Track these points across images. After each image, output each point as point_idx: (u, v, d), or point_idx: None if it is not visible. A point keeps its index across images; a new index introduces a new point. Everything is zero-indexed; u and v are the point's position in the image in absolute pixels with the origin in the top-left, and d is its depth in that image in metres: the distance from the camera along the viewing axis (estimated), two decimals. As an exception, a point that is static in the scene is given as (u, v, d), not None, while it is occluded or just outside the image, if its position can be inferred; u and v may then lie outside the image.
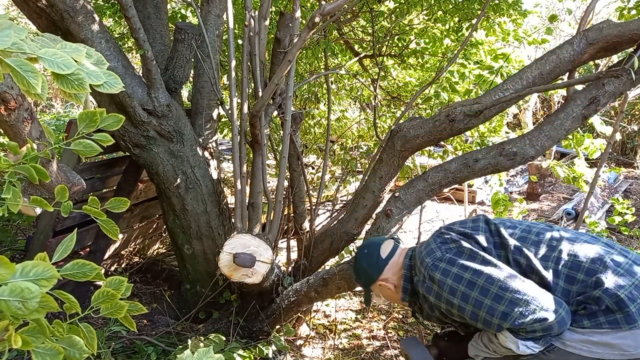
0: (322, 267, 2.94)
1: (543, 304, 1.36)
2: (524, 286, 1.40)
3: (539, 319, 1.35)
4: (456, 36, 4.04)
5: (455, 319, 1.60)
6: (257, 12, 2.41)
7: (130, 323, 1.03)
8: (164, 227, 3.75)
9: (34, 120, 1.30)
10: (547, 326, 1.35)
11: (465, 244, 1.55)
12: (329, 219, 3.87)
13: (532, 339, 1.39)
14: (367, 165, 3.63)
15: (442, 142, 3.68)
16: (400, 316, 3.44)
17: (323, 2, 2.37)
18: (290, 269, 3.02)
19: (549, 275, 1.45)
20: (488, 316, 1.42)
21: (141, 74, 2.57)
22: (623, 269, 1.40)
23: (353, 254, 3.15)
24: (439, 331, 1.96)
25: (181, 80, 2.72)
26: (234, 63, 2.47)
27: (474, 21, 3.77)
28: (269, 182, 2.89)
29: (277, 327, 2.75)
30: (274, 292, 2.67)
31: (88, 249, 3.20)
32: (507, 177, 7.52)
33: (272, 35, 2.81)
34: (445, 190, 4.24)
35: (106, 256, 3.41)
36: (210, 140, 2.95)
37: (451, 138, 3.38)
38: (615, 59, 2.38)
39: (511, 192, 7.13)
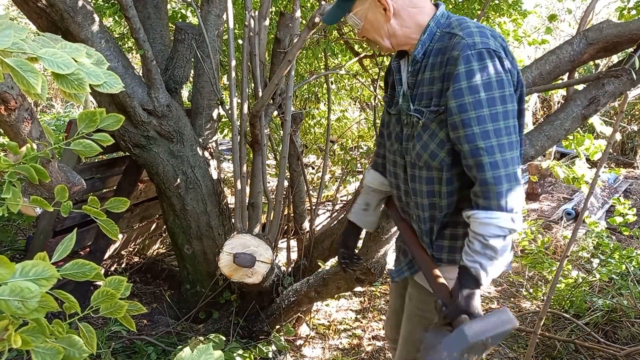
0: (322, 267, 2.94)
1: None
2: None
3: (517, 186, 1.23)
4: (456, 36, 4.03)
5: (433, 122, 1.31)
6: (257, 12, 2.41)
7: (130, 323, 1.03)
8: (164, 227, 3.75)
9: (34, 120, 1.30)
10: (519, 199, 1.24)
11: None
12: (329, 219, 3.87)
13: (514, 210, 1.23)
14: (367, 165, 3.63)
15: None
16: (400, 316, 3.44)
17: (323, 2, 2.38)
18: (290, 269, 3.02)
19: None
20: (498, 144, 1.20)
21: (141, 74, 2.58)
22: None
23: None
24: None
25: (181, 80, 2.72)
26: (234, 63, 2.47)
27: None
28: (269, 182, 2.89)
29: (277, 327, 2.75)
30: (274, 292, 2.67)
31: (88, 249, 3.20)
32: (507, 177, 7.50)
33: (272, 35, 2.81)
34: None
35: (106, 256, 3.41)
36: (210, 140, 2.95)
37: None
38: (615, 59, 2.38)
39: (511, 192, 7.11)
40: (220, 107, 2.91)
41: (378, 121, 4.30)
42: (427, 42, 1.34)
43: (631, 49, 1.96)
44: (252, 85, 2.56)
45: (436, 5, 1.40)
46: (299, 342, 3.06)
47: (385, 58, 3.98)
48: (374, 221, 1.80)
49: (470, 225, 1.28)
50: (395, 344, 1.98)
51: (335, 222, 3.17)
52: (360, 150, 5.42)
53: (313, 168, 6.53)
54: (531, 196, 6.97)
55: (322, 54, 4.04)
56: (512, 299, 3.90)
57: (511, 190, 1.21)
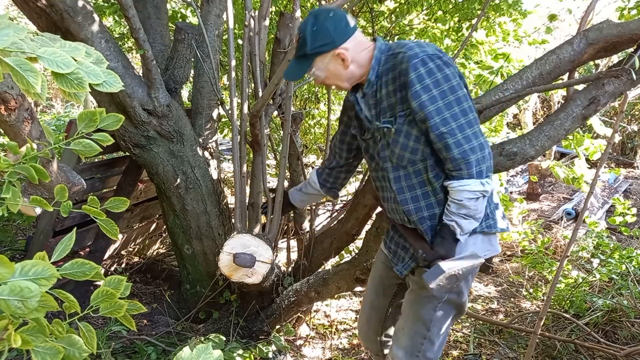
0: (322, 267, 2.94)
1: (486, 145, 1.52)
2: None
3: (487, 155, 1.51)
4: (456, 36, 4.04)
5: (404, 125, 1.56)
6: (257, 12, 2.41)
7: (130, 322, 1.03)
8: (164, 227, 3.75)
9: (34, 120, 1.30)
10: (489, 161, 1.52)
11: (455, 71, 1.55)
12: (329, 219, 3.87)
13: (483, 175, 1.50)
14: (367, 165, 3.62)
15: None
16: (400, 316, 3.44)
17: (323, 2, 2.38)
18: (290, 269, 3.02)
19: None
20: (457, 126, 1.47)
21: (141, 74, 2.58)
22: None
23: (353, 253, 3.15)
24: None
25: (181, 80, 2.72)
26: (234, 63, 2.47)
27: (474, 21, 3.77)
28: (269, 182, 2.89)
29: (277, 327, 2.75)
30: (274, 292, 2.67)
31: (88, 249, 3.20)
32: (507, 177, 7.52)
33: (272, 35, 2.81)
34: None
35: (106, 256, 3.41)
36: (210, 140, 2.95)
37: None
38: (615, 59, 2.38)
39: (511, 192, 7.13)
40: (220, 107, 2.91)
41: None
42: (377, 66, 1.60)
43: (631, 49, 1.96)
44: (252, 85, 2.56)
45: (374, 39, 1.66)
46: (299, 342, 3.06)
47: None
48: (303, 201, 2.19)
49: (448, 193, 1.56)
50: (373, 345, 2.05)
51: (335, 222, 3.17)
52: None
53: (313, 168, 6.53)
54: (531, 196, 6.97)
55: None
56: (512, 299, 3.90)
57: (477, 159, 1.48)
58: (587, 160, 3.06)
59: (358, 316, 2.25)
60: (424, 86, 1.47)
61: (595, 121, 2.84)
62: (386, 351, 2.05)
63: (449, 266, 1.49)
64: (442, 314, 1.71)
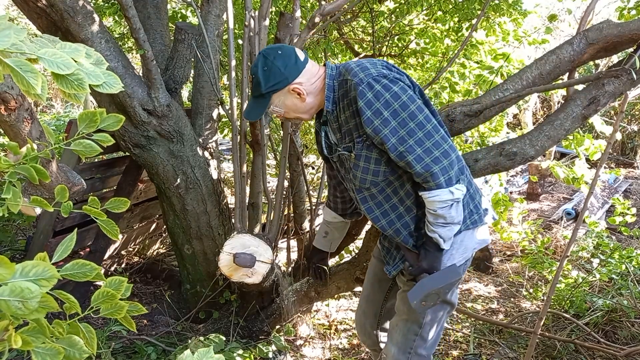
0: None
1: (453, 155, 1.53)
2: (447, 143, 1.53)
3: (452, 164, 1.51)
4: (456, 36, 4.04)
5: (363, 150, 1.59)
6: (257, 12, 2.41)
7: (130, 323, 1.03)
8: (164, 227, 3.75)
9: (34, 121, 1.30)
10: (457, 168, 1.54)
11: (405, 80, 1.57)
12: (329, 219, 3.86)
13: (453, 182, 1.52)
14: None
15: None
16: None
17: (323, 2, 2.38)
18: (290, 269, 3.02)
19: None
20: (415, 142, 1.47)
21: (141, 74, 2.58)
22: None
23: (353, 253, 3.15)
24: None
25: (181, 81, 2.72)
26: (234, 63, 2.47)
27: (474, 21, 3.77)
28: (269, 182, 2.89)
29: (277, 327, 2.75)
30: (274, 292, 2.67)
31: (88, 249, 3.20)
32: (507, 177, 7.52)
33: (272, 35, 2.81)
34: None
35: (106, 256, 3.41)
36: (210, 141, 2.95)
37: (451, 138, 3.37)
38: (615, 59, 2.38)
39: (511, 192, 7.13)
40: (220, 107, 2.91)
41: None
42: (331, 94, 1.62)
43: (631, 49, 1.96)
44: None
45: (324, 64, 1.67)
46: (299, 342, 3.06)
47: (385, 58, 3.99)
48: (335, 243, 2.21)
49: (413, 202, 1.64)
50: (369, 339, 2.08)
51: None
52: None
53: (313, 168, 6.53)
54: (531, 196, 6.97)
55: (322, 54, 4.04)
56: (512, 299, 3.90)
57: (442, 169, 1.48)
58: (587, 160, 3.06)
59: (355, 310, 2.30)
60: (374, 111, 1.48)
61: (596, 120, 2.84)
62: (382, 345, 2.08)
63: (430, 285, 1.56)
64: (434, 312, 1.75)
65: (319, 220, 3.74)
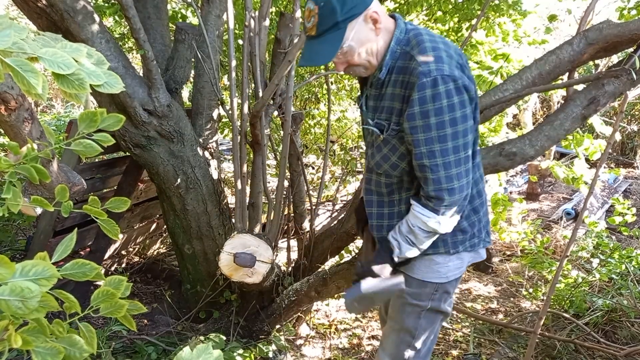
0: (322, 267, 2.95)
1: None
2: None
3: (464, 196, 1.42)
4: (456, 36, 4.04)
5: (393, 138, 1.44)
6: (257, 13, 2.42)
7: (130, 322, 1.03)
8: (164, 227, 3.75)
9: (35, 120, 1.30)
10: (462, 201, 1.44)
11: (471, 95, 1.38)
12: (329, 219, 3.87)
13: (451, 214, 1.43)
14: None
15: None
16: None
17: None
18: (290, 268, 3.02)
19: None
20: (442, 163, 1.35)
21: (142, 74, 2.58)
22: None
23: (353, 253, 3.15)
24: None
25: (181, 81, 2.72)
26: (234, 63, 2.47)
27: (473, 21, 3.77)
28: (269, 182, 2.89)
29: (277, 326, 2.75)
30: (274, 292, 2.67)
31: (88, 249, 3.20)
32: (507, 177, 7.52)
33: (273, 36, 2.81)
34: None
35: (106, 256, 3.41)
36: (211, 141, 2.95)
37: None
38: (615, 59, 2.38)
39: (511, 192, 7.13)
40: (220, 107, 2.91)
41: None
42: (390, 62, 1.41)
43: (631, 49, 1.96)
44: (252, 85, 2.56)
45: (393, 17, 1.44)
46: (299, 341, 3.06)
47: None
48: None
49: (409, 209, 1.49)
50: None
51: (335, 222, 3.17)
52: (360, 150, 5.42)
53: (313, 168, 6.53)
54: (531, 196, 6.96)
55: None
56: (512, 299, 3.90)
57: (450, 203, 1.39)
58: (587, 160, 3.07)
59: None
60: (423, 111, 1.32)
61: (595, 120, 2.84)
62: None
63: (368, 287, 1.51)
64: (427, 321, 1.68)
65: (319, 220, 3.75)
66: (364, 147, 1.67)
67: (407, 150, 1.44)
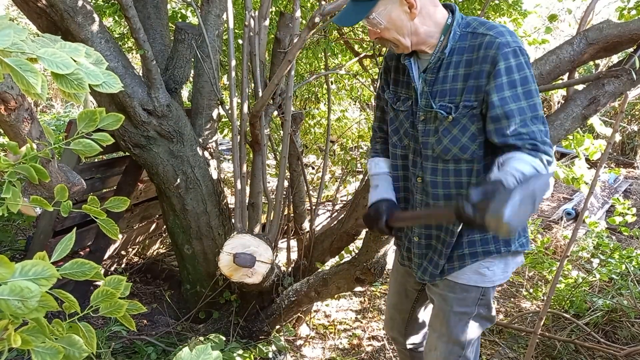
0: (322, 267, 2.94)
1: None
2: None
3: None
4: (456, 36, 4.03)
5: (464, 117, 1.39)
6: (257, 12, 2.42)
7: (130, 322, 1.03)
8: (164, 227, 3.75)
9: (34, 120, 1.30)
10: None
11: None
12: (329, 219, 3.87)
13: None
14: (366, 166, 3.62)
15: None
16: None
17: (323, 2, 2.38)
18: (290, 269, 3.02)
19: None
20: (528, 110, 1.33)
21: (141, 74, 2.58)
22: None
23: (353, 253, 3.15)
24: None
25: (181, 80, 2.72)
26: (234, 63, 2.47)
27: (474, 21, 3.77)
28: (269, 182, 2.89)
29: (277, 327, 2.75)
30: (274, 292, 2.67)
31: (88, 249, 3.20)
32: (507, 177, 7.49)
33: (272, 35, 2.81)
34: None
35: (106, 256, 3.41)
36: (210, 140, 2.95)
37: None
38: (615, 59, 2.38)
39: (511, 192, 7.11)
40: (220, 107, 2.91)
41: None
42: (452, 41, 1.40)
43: (631, 49, 1.96)
44: (252, 85, 2.56)
45: (448, 6, 1.45)
46: (299, 342, 3.06)
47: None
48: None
49: (509, 164, 1.29)
50: (397, 340, 2.00)
51: (335, 222, 3.17)
52: (360, 150, 5.42)
53: (313, 168, 6.53)
54: (531, 196, 6.94)
55: (322, 54, 4.04)
56: (512, 299, 3.90)
57: (543, 142, 1.32)
58: (587, 160, 3.06)
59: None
60: (510, 81, 1.32)
61: (595, 121, 2.84)
62: (409, 346, 1.98)
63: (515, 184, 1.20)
64: (475, 329, 1.61)
65: (319, 220, 3.75)
66: (396, 139, 1.59)
67: (479, 130, 1.40)
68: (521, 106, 1.33)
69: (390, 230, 1.58)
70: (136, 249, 4.02)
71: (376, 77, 4.02)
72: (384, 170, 1.72)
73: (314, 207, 3.08)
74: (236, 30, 3.80)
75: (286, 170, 2.71)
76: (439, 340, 1.65)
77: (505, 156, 1.33)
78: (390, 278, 2.00)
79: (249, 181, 2.86)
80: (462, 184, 1.47)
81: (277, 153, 2.99)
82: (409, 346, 1.99)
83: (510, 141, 1.33)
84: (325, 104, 5.21)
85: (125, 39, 4.74)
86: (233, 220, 2.89)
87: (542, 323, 2.36)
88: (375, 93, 1.75)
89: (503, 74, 1.32)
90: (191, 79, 3.23)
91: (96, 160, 3.73)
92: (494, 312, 1.63)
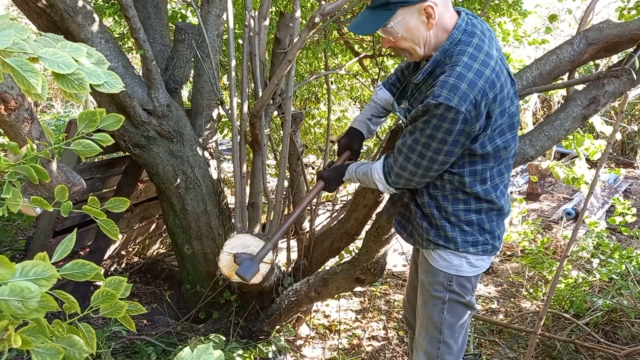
0: (322, 267, 2.94)
1: None
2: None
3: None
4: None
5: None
6: (257, 12, 2.41)
7: (130, 323, 1.03)
8: (164, 227, 3.75)
9: (34, 120, 1.30)
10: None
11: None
12: (329, 219, 3.87)
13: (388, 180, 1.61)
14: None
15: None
16: (400, 316, 3.44)
17: (323, 2, 2.37)
18: (290, 269, 3.02)
19: None
20: (414, 161, 1.48)
21: (141, 74, 2.57)
22: None
23: (353, 253, 3.15)
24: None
25: (181, 80, 2.72)
26: (234, 63, 2.47)
27: (474, 21, 3.77)
28: (269, 182, 2.89)
29: (277, 327, 2.75)
30: (274, 292, 2.67)
31: (88, 249, 3.20)
32: (507, 177, 7.49)
33: (272, 35, 2.81)
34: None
35: (106, 256, 3.41)
36: (210, 140, 2.95)
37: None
38: (615, 59, 2.38)
39: (511, 192, 7.14)
40: (220, 107, 2.91)
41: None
42: (430, 66, 1.45)
43: (631, 49, 1.96)
44: (252, 85, 2.56)
45: (459, 14, 1.45)
46: (299, 342, 3.06)
47: (385, 58, 3.99)
48: (373, 131, 2.00)
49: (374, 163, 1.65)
50: (410, 324, 2.08)
51: (335, 222, 3.17)
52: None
53: (313, 168, 6.53)
54: (531, 196, 6.96)
55: (322, 54, 4.03)
56: (512, 299, 3.90)
57: (395, 182, 1.58)
58: (587, 160, 3.06)
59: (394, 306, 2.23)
60: (415, 123, 1.43)
61: (596, 120, 2.84)
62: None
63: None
64: (451, 315, 1.69)
65: (319, 220, 3.74)
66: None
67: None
68: (405, 153, 1.48)
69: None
70: (136, 249, 4.02)
71: (376, 76, 4.02)
72: (377, 99, 1.90)
73: (314, 207, 3.08)
74: (236, 30, 3.80)
75: (286, 170, 2.71)
76: (422, 325, 1.76)
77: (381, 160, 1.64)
78: (410, 259, 2.10)
79: (249, 181, 2.86)
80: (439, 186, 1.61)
81: (277, 153, 2.99)
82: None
83: (395, 147, 1.55)
84: (325, 104, 5.20)
85: (125, 39, 4.74)
86: (233, 220, 2.89)
87: (542, 323, 2.36)
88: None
89: (415, 113, 1.41)
90: (191, 79, 3.22)
91: (96, 160, 3.73)
92: (469, 298, 1.69)
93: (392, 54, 4.24)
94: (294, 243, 3.20)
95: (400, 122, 1.69)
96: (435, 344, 1.71)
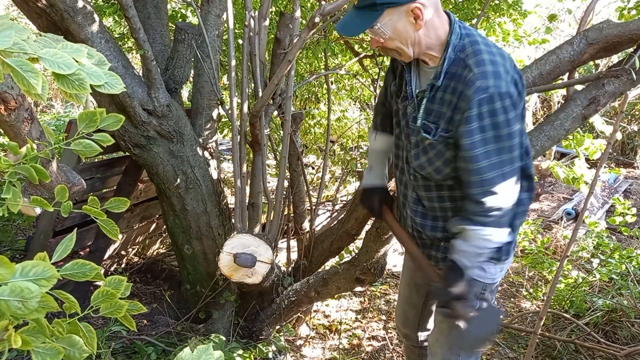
0: (322, 267, 2.94)
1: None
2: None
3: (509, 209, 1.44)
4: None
5: (440, 144, 1.44)
6: (257, 12, 2.41)
7: (130, 322, 1.03)
8: (164, 227, 3.75)
9: (34, 120, 1.30)
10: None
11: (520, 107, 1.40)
12: (329, 219, 3.87)
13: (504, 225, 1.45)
14: (366, 165, 3.62)
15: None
16: (400, 316, 3.44)
17: (323, 2, 2.37)
18: (290, 269, 3.02)
19: None
20: (497, 165, 1.35)
21: (141, 74, 2.58)
22: None
23: (353, 253, 3.15)
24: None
25: (181, 80, 2.72)
26: (234, 63, 2.47)
27: (474, 21, 3.77)
28: (269, 182, 2.89)
29: (277, 327, 2.75)
30: (274, 292, 2.67)
31: (88, 249, 3.20)
32: (507, 177, 7.48)
33: (272, 36, 2.81)
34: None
35: (106, 256, 3.41)
36: (210, 140, 2.95)
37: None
38: (615, 59, 2.38)
39: (511, 192, 7.11)
40: (220, 107, 2.91)
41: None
42: (447, 65, 1.39)
43: (631, 49, 1.96)
44: (252, 85, 2.56)
45: (448, 16, 1.42)
46: (299, 342, 3.06)
47: (385, 58, 3.99)
48: (386, 175, 1.89)
49: (463, 236, 1.46)
50: (410, 337, 2.09)
51: (335, 222, 3.17)
52: (360, 150, 5.42)
53: (313, 168, 6.53)
54: (531, 196, 6.94)
55: (322, 54, 4.03)
56: (512, 299, 3.90)
57: (498, 209, 1.40)
58: (587, 160, 3.06)
59: (395, 307, 2.22)
60: (482, 126, 1.32)
61: (596, 120, 2.84)
62: (424, 343, 2.06)
63: (474, 332, 1.48)
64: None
65: (319, 220, 3.75)
66: (397, 130, 1.64)
67: (452, 156, 1.44)
68: (492, 162, 1.34)
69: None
70: (136, 249, 4.02)
71: (376, 77, 4.02)
72: (380, 148, 1.81)
73: (314, 207, 3.08)
74: (236, 30, 3.80)
75: (286, 170, 2.71)
76: (440, 333, 1.74)
77: (461, 224, 1.47)
78: (401, 275, 2.08)
79: (249, 181, 2.86)
80: (430, 198, 1.57)
81: (277, 153, 2.99)
82: (423, 343, 2.03)
83: (468, 202, 1.42)
84: (325, 104, 5.21)
85: (125, 39, 4.74)
86: (233, 220, 2.89)
87: (542, 323, 2.36)
88: (375, 93, 1.82)
89: (474, 119, 1.32)
90: (191, 79, 3.22)
91: (96, 160, 3.72)
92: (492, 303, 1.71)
93: (392, 54, 4.24)
94: (294, 243, 3.20)
95: (415, 139, 1.53)
96: (455, 352, 1.72)
